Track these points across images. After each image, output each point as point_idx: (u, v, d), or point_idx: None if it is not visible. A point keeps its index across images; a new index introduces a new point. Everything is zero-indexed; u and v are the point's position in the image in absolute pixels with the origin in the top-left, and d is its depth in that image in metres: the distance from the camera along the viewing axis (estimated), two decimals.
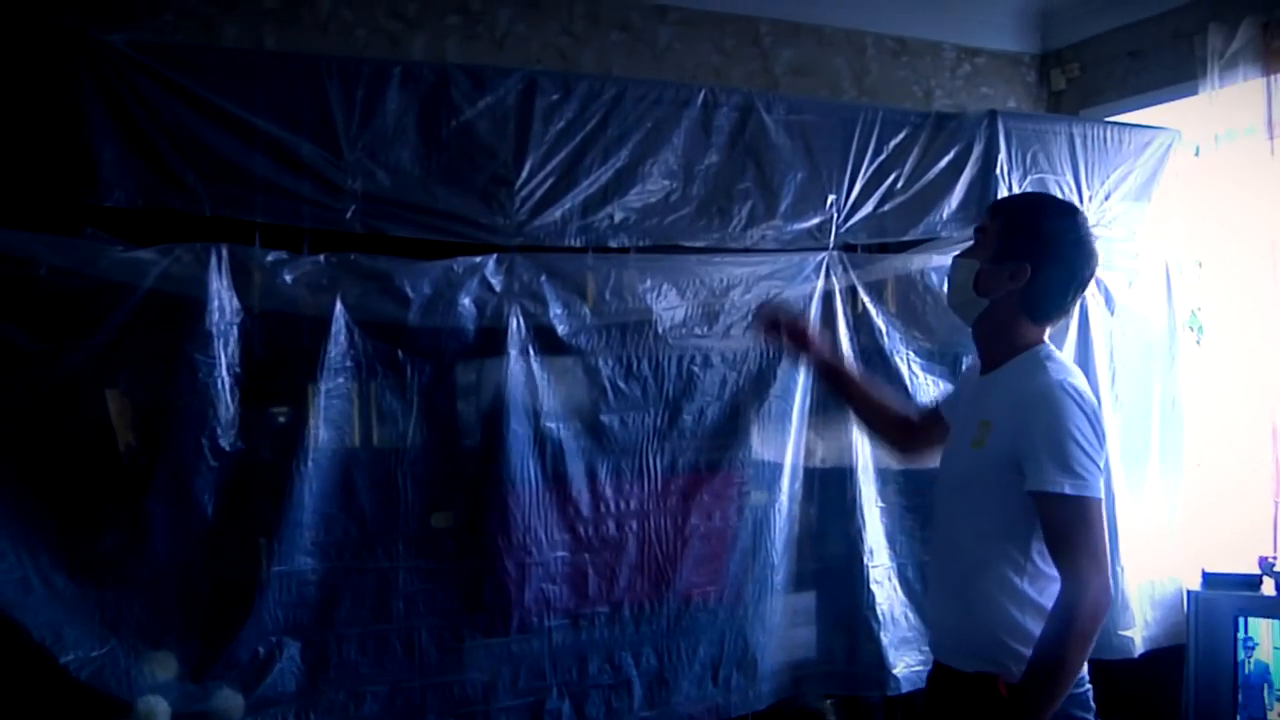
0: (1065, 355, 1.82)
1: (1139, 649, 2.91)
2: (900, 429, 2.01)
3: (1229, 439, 3.08)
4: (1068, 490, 1.52)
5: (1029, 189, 2.80)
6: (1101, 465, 1.56)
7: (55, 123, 1.94)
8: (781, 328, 2.05)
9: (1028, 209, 1.73)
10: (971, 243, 1.74)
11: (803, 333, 2.05)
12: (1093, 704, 1.65)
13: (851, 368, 2.33)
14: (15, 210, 1.90)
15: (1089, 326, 2.88)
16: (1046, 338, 1.68)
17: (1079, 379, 1.62)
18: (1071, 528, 1.52)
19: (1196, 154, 3.10)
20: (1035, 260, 1.63)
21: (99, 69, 1.94)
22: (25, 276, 1.89)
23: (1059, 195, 2.21)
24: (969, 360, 2.10)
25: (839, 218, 2.57)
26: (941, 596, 1.75)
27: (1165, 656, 2.91)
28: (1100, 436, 1.56)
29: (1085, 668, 1.62)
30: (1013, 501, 1.58)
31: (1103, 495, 1.56)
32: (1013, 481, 1.57)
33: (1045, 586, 1.59)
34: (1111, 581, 1.57)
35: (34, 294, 1.90)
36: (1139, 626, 2.93)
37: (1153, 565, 2.96)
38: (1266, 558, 2.79)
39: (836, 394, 2.20)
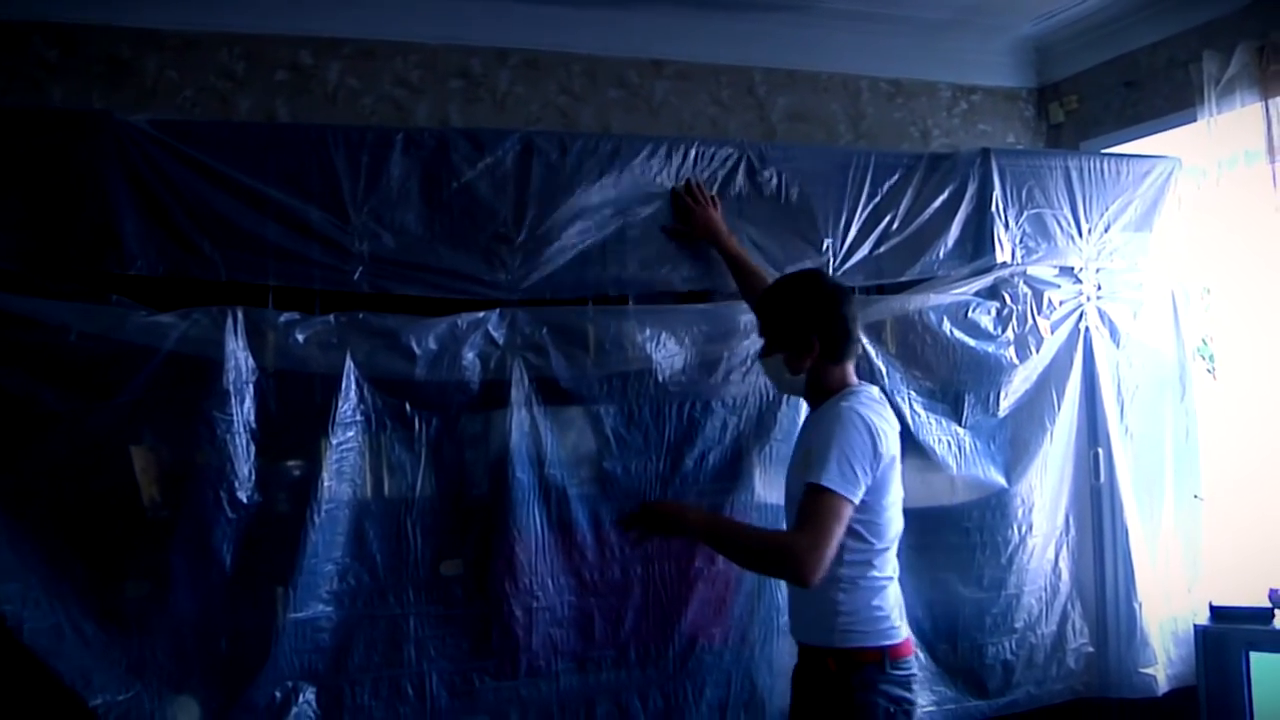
0: (873, 390, 2.11)
1: (1163, 687, 2.85)
2: None
3: (1243, 469, 3.04)
4: (819, 480, 1.89)
5: (1026, 225, 2.82)
6: (863, 472, 1.92)
7: (83, 198, 2.07)
8: (693, 215, 2.40)
9: (775, 300, 2.13)
10: (767, 353, 2.11)
11: (709, 221, 2.41)
12: (913, 687, 2.00)
13: (756, 266, 2.46)
14: (47, 280, 2.03)
15: (1094, 359, 2.88)
16: (852, 376, 2.10)
17: (866, 407, 1.99)
18: (809, 507, 1.90)
19: (1217, 175, 3.06)
20: (811, 329, 2.04)
21: (123, 147, 2.08)
22: (57, 342, 2.02)
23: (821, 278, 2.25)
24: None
25: (835, 261, 2.61)
26: (791, 590, 2.12)
27: (1189, 695, 2.86)
28: (871, 450, 1.93)
29: (913, 656, 2.03)
30: None
31: (851, 497, 1.90)
32: None
33: (861, 571, 1.96)
34: (816, 570, 1.86)
35: (64, 358, 2.02)
36: (1161, 664, 2.86)
37: (1174, 601, 2.92)
38: (1277, 590, 2.75)
39: (742, 287, 2.43)
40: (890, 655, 1.95)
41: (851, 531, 1.93)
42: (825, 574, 1.88)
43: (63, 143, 2.07)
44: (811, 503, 1.89)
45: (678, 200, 2.45)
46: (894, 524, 2.03)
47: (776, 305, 2.10)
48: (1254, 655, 2.67)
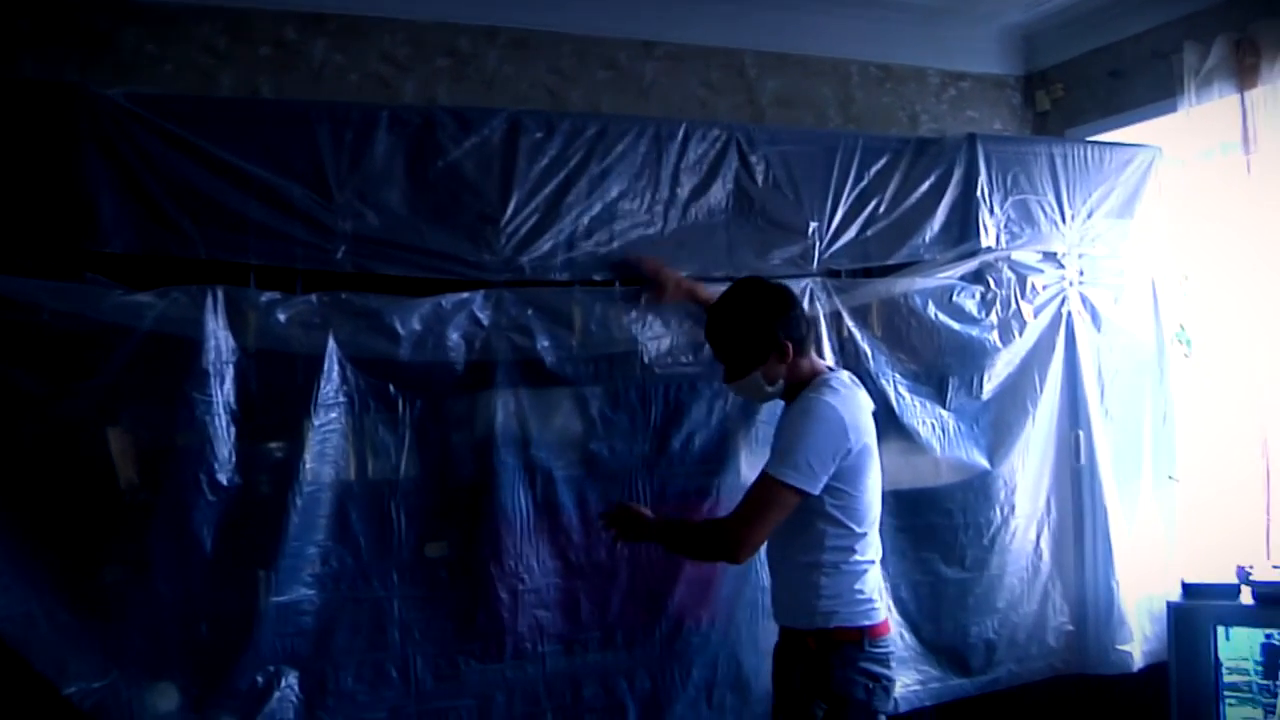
0: (843, 376, 2.11)
1: (1138, 663, 2.91)
2: None
3: (1218, 451, 3.09)
4: (768, 469, 1.96)
5: (1010, 210, 2.84)
6: (821, 464, 1.94)
7: (57, 173, 2.02)
8: (660, 278, 2.34)
9: (734, 318, 2.08)
10: (739, 374, 2.08)
11: (661, 278, 2.35)
12: (891, 664, 2.04)
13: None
14: (19, 258, 1.98)
15: (1075, 343, 2.91)
16: (819, 362, 2.12)
17: (835, 394, 2.00)
18: (750, 491, 1.98)
19: (1196, 165, 3.09)
20: (780, 332, 2.02)
21: (98, 121, 2.03)
22: (29, 321, 1.97)
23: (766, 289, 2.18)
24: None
25: (821, 244, 2.61)
26: (774, 577, 2.17)
27: (1162, 670, 2.91)
28: (836, 440, 1.95)
29: (891, 635, 2.09)
30: (805, 508, 1.97)
31: (801, 485, 1.93)
32: None
33: (843, 556, 2.00)
34: (743, 548, 1.98)
35: (38, 338, 1.98)
36: (1137, 641, 2.92)
37: (1150, 580, 2.97)
38: (1244, 567, 2.80)
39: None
40: (869, 635, 1.99)
41: (830, 518, 1.97)
42: (756, 555, 2.04)
43: (35, 116, 2.02)
44: (754, 488, 1.97)
45: (631, 270, 2.38)
46: (873, 508, 2.05)
47: (737, 323, 2.05)
48: (1222, 630, 2.72)
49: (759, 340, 2.02)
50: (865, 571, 2.02)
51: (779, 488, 1.93)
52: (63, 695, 1.93)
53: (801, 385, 2.04)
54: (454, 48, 2.84)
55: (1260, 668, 2.70)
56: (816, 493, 1.94)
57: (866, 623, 2.00)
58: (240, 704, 2.06)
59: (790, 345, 2.02)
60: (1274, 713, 2.67)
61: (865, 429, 2.02)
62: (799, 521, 1.98)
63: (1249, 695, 2.71)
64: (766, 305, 2.05)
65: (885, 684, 2.00)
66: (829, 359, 2.58)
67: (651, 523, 2.09)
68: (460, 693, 2.22)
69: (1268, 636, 2.68)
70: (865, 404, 2.07)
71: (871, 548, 2.06)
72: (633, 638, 2.36)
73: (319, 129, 2.17)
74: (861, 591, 2.00)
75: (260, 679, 2.08)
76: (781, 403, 2.13)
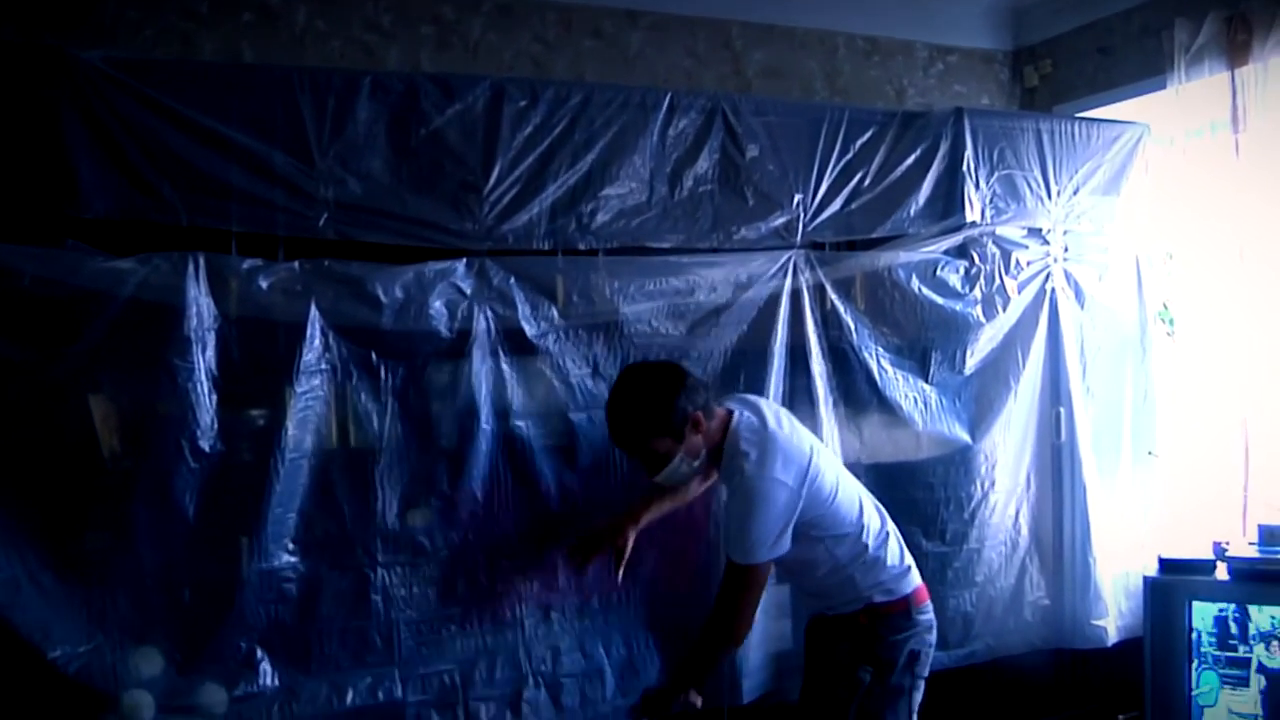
0: (753, 413, 2.10)
1: (1113, 638, 2.95)
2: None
3: (1197, 429, 3.12)
4: (732, 557, 2.02)
5: (996, 185, 2.84)
6: (778, 531, 1.98)
7: (36, 138, 2.00)
8: (605, 549, 2.27)
9: (641, 416, 2.02)
10: (663, 464, 2.05)
11: (617, 543, 2.26)
12: (933, 634, 2.12)
13: (651, 513, 2.33)
14: None
15: (1059, 319, 2.92)
16: (721, 410, 2.09)
17: (760, 458, 2.00)
18: (725, 582, 2.04)
19: (1183, 144, 3.09)
20: (688, 411, 1.99)
21: (77, 85, 2.00)
22: (9, 288, 1.95)
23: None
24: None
25: (806, 216, 2.61)
26: (805, 591, 2.27)
27: (1137, 644, 2.95)
28: (775, 509, 1.97)
29: (928, 601, 2.14)
30: (799, 539, 2.03)
31: (768, 558, 2.01)
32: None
33: (858, 551, 2.05)
34: (743, 634, 2.13)
35: (18, 304, 1.96)
36: (1113, 616, 2.96)
37: (1127, 556, 3.00)
38: (1219, 543, 2.83)
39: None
40: (914, 601, 2.08)
41: (824, 537, 2.04)
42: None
43: (14, 79, 2.00)
44: (729, 580, 2.03)
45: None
46: (854, 498, 2.09)
47: (646, 418, 2.00)
48: (1196, 604, 2.76)
49: (669, 423, 1.98)
50: (887, 547, 2.09)
51: (751, 571, 2.00)
52: (47, 659, 1.94)
53: (721, 444, 2.05)
54: (438, 15, 2.81)
55: (1214, 639, 2.75)
56: (789, 547, 1.99)
57: (909, 590, 2.08)
58: (224, 669, 2.08)
59: (700, 414, 2.00)
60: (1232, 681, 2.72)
61: (804, 460, 2.02)
62: (799, 554, 2.04)
63: (1206, 666, 2.76)
64: (662, 386, 2.01)
65: (927, 650, 2.09)
66: (811, 332, 2.58)
67: (673, 684, 2.12)
68: (442, 659, 2.23)
69: (1220, 610, 2.74)
70: (786, 421, 2.08)
71: (876, 521, 2.10)
72: (611, 605, 2.38)
73: (301, 95, 2.15)
74: (895, 565, 2.08)
75: (244, 644, 2.09)
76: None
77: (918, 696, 2.10)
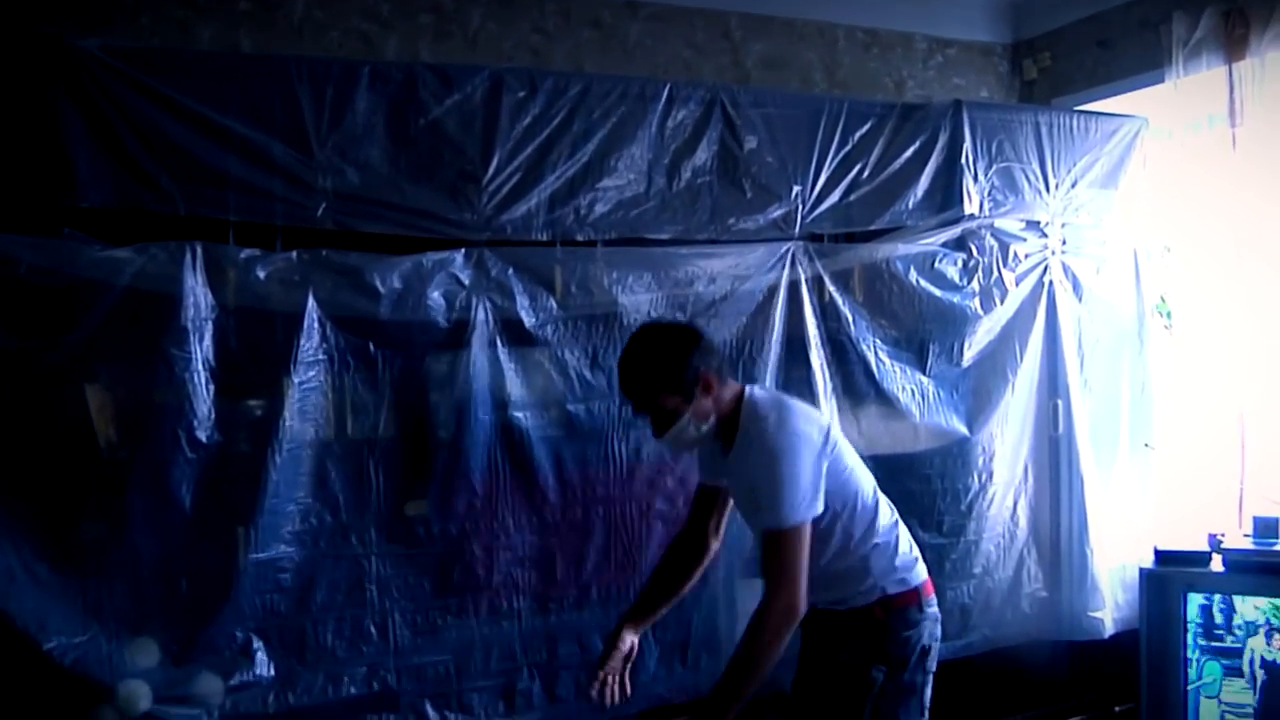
0: (761, 392, 2.00)
1: (1109, 630, 2.96)
2: (701, 552, 2.13)
3: (1194, 421, 3.12)
4: (773, 525, 1.85)
5: (995, 178, 2.84)
6: (812, 486, 1.86)
7: (33, 126, 2.00)
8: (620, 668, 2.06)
9: (653, 370, 1.92)
10: (670, 423, 1.92)
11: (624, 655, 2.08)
12: (939, 625, 2.02)
13: (654, 604, 2.13)
14: None
15: (1056, 312, 2.93)
16: (735, 384, 1.97)
17: (780, 413, 1.91)
18: (771, 554, 1.85)
19: (1181, 137, 3.09)
20: (700, 369, 1.89)
21: (74, 73, 2.00)
22: (5, 276, 1.94)
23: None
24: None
25: (804, 208, 2.61)
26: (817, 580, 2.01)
27: (1133, 635, 2.96)
28: (813, 456, 1.87)
29: (933, 594, 2.03)
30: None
31: (810, 516, 1.84)
32: None
33: (869, 534, 1.96)
34: (803, 605, 1.84)
35: (14, 293, 1.96)
36: (1109, 608, 2.97)
37: (1123, 548, 3.01)
38: (1215, 534, 2.84)
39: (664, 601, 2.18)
40: (924, 593, 2.01)
41: (848, 509, 1.94)
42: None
43: (9, 67, 1.99)
44: (773, 549, 1.86)
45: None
46: (865, 477, 2.01)
47: (658, 371, 1.91)
48: (1191, 596, 2.78)
49: (680, 380, 1.89)
50: (898, 533, 2.02)
51: (795, 533, 1.84)
52: (43, 650, 1.94)
53: (732, 417, 1.94)
54: (437, 5, 2.80)
55: (1200, 628, 2.77)
56: (822, 510, 1.88)
57: (919, 581, 2.01)
58: (220, 659, 2.08)
59: (713, 376, 1.92)
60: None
61: (820, 421, 1.98)
62: (819, 530, 1.92)
63: (1210, 657, 2.77)
64: (676, 343, 1.94)
65: (936, 645, 2.01)
66: (810, 323, 2.59)
67: (729, 691, 1.86)
68: (437, 648, 2.24)
69: (1205, 600, 2.76)
70: (795, 403, 2.02)
71: (886, 506, 2.04)
72: (608, 596, 2.39)
73: (300, 84, 2.15)
74: (905, 553, 2.01)
75: (240, 634, 2.10)
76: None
77: (928, 693, 2.01)
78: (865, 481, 2.01)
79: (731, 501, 2.08)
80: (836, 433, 1.99)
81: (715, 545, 2.13)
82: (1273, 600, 2.69)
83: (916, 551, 2.05)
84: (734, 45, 3.13)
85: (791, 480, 1.85)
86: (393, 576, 2.21)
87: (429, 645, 2.23)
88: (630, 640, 2.06)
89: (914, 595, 1.98)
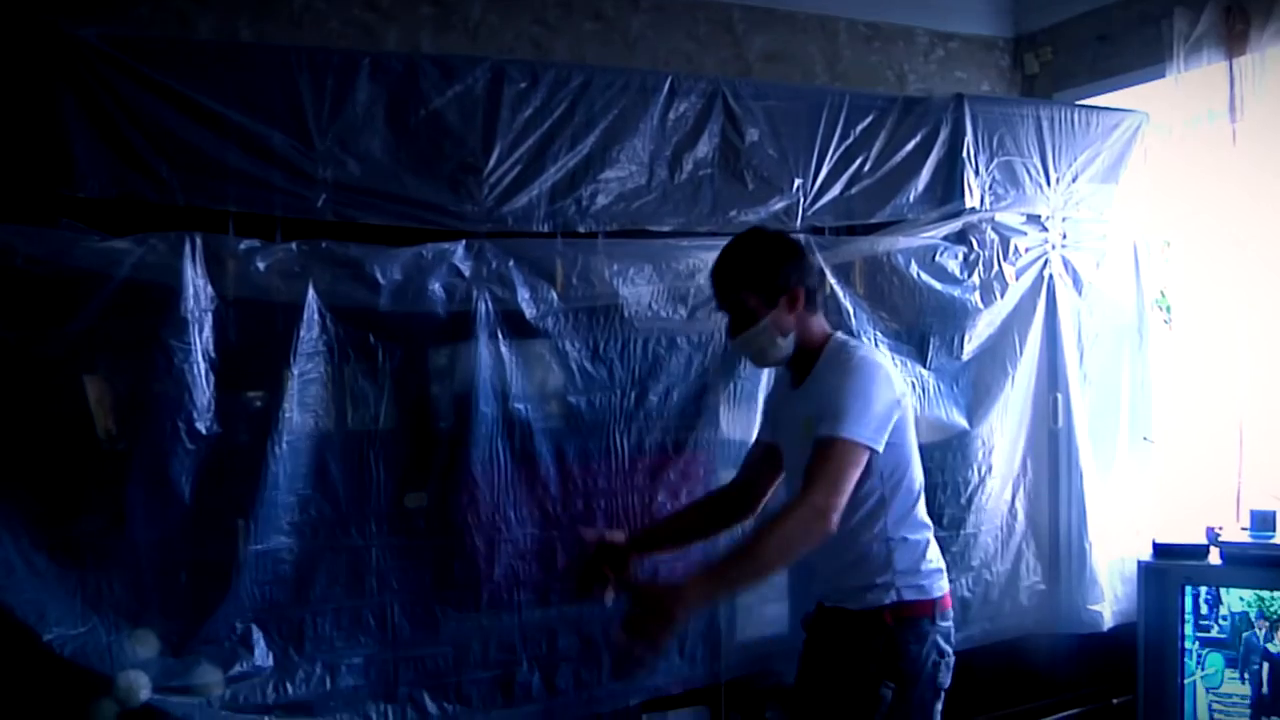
0: (863, 340, 2.00)
1: (1108, 623, 2.97)
2: (735, 513, 2.05)
3: (1193, 416, 3.13)
4: (832, 433, 1.73)
5: (996, 171, 2.84)
6: (884, 417, 1.77)
7: (30, 115, 1.98)
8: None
9: (746, 262, 1.88)
10: (747, 324, 1.86)
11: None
12: (953, 639, 1.91)
13: (660, 538, 2.11)
14: None
15: (1056, 306, 2.93)
16: (827, 326, 1.92)
17: (868, 350, 1.91)
18: (820, 460, 1.72)
19: (1181, 132, 3.07)
20: (794, 279, 1.84)
21: (72, 63, 1.98)
22: (3, 266, 1.93)
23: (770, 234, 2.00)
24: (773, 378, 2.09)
25: (805, 201, 2.61)
26: (831, 561, 1.92)
27: (1132, 629, 2.96)
28: (890, 392, 1.79)
29: (951, 608, 1.90)
30: (865, 475, 1.78)
31: (869, 442, 1.74)
32: None
33: (908, 523, 1.85)
34: (835, 522, 1.70)
35: (12, 283, 1.94)
36: (1108, 601, 2.98)
37: (1122, 542, 3.01)
38: (1213, 528, 2.84)
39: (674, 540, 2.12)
40: (940, 607, 1.88)
41: (889, 481, 1.83)
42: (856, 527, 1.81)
43: (7, 56, 1.98)
44: (825, 454, 1.72)
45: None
46: (915, 467, 1.90)
47: (751, 266, 1.85)
48: (1190, 590, 2.78)
49: (775, 284, 1.82)
50: (928, 538, 1.90)
51: (853, 448, 1.72)
52: (43, 641, 1.93)
53: (813, 350, 1.86)
54: None
55: (1198, 619, 2.78)
56: (880, 450, 1.77)
57: (939, 593, 1.88)
58: (219, 650, 2.08)
59: (802, 293, 1.84)
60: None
61: (899, 379, 1.88)
62: (858, 492, 1.79)
63: (1213, 649, 2.78)
64: (785, 250, 1.88)
65: (950, 660, 1.89)
66: None
67: (692, 584, 1.66)
68: (437, 640, 2.24)
69: (1207, 592, 2.77)
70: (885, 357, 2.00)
71: (925, 511, 1.91)
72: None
73: (300, 75, 2.14)
74: (931, 560, 1.88)
75: (239, 625, 2.09)
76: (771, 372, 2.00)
77: (939, 709, 1.89)
78: (917, 469, 1.90)
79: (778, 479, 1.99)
80: (909, 403, 1.90)
81: (749, 518, 2.04)
82: (1270, 593, 2.70)
83: (942, 564, 1.93)
84: (736, 38, 3.12)
85: (865, 398, 1.75)
86: (392, 568, 2.20)
87: (428, 637, 2.23)
88: (619, 539, 1.94)
89: (929, 606, 1.85)
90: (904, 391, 1.86)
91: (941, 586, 1.91)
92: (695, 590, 1.67)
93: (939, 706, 1.90)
